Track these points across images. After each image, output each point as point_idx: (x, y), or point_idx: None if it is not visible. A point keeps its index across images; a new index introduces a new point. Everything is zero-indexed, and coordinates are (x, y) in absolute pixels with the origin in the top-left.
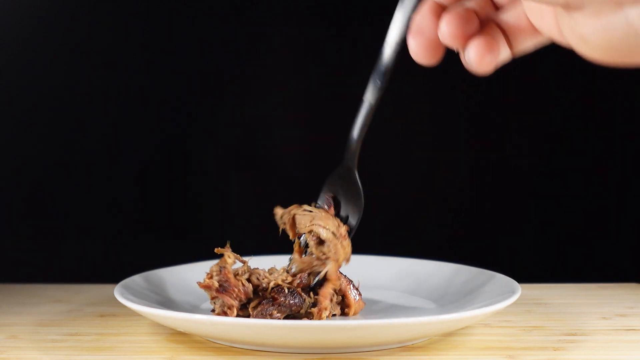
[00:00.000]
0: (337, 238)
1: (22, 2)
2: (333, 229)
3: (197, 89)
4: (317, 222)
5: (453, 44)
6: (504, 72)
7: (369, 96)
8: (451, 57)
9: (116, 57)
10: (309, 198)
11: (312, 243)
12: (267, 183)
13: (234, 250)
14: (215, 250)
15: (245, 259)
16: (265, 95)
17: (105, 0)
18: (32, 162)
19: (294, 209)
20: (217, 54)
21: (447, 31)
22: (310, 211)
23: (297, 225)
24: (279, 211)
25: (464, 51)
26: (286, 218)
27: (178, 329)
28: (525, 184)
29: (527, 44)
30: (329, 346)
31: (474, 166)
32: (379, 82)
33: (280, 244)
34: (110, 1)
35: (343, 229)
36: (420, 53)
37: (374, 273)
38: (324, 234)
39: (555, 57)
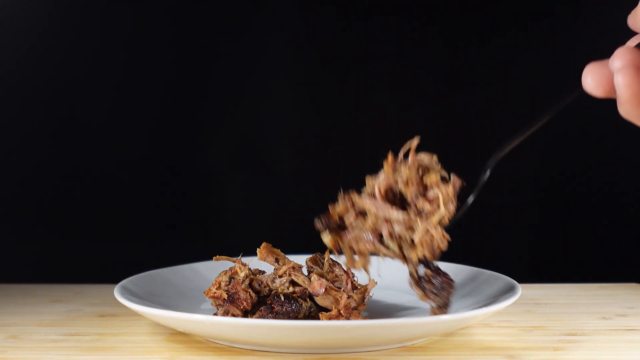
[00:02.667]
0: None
1: (23, 2)
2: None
3: (197, 90)
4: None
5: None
6: (503, 72)
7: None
8: (450, 57)
9: (116, 58)
10: (309, 198)
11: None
12: (267, 183)
13: (234, 250)
14: (214, 258)
15: (246, 260)
16: (265, 95)
17: (105, 3)
18: (32, 163)
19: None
20: (218, 54)
21: (622, 85)
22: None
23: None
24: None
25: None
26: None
27: (178, 329)
28: (526, 183)
29: None
30: (329, 346)
31: (474, 165)
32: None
33: (280, 243)
34: (110, 2)
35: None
36: (594, 85)
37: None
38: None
39: (555, 58)
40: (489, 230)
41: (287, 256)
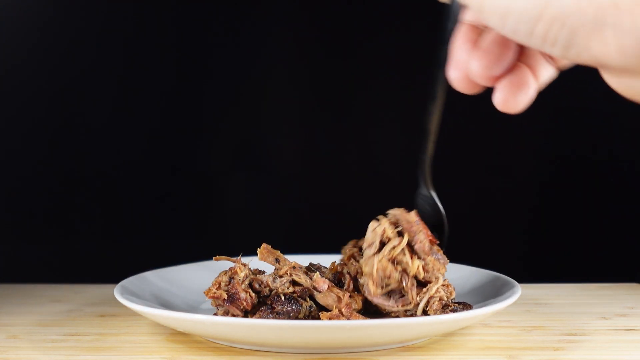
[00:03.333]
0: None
1: (23, 2)
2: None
3: (197, 90)
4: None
5: (484, 84)
6: None
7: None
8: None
9: (117, 58)
10: (309, 198)
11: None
12: (267, 183)
13: (234, 250)
14: (214, 258)
15: (246, 260)
16: (265, 95)
17: (106, 2)
18: (32, 162)
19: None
20: (218, 54)
21: (477, 72)
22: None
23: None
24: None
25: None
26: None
27: (178, 329)
28: (526, 183)
29: (551, 71)
30: (329, 346)
31: (474, 166)
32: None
33: (280, 243)
34: (110, 2)
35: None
36: (460, 86)
37: None
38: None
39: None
40: (489, 230)
41: (287, 257)
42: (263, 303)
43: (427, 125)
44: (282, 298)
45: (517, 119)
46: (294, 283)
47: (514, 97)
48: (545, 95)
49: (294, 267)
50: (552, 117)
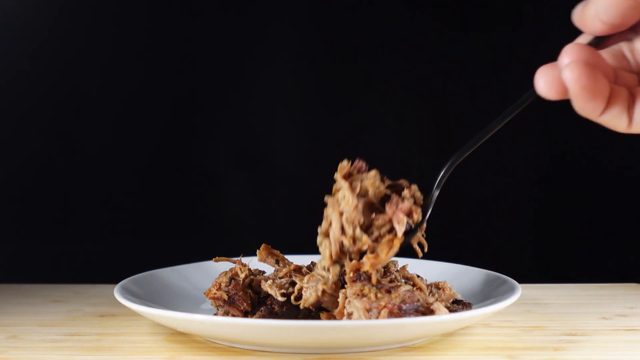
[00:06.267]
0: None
1: (23, 2)
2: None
3: (197, 90)
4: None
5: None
6: (504, 71)
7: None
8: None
9: (116, 58)
10: (309, 198)
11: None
12: (267, 183)
13: (234, 251)
14: (214, 259)
15: (246, 260)
16: (265, 95)
17: (106, 1)
18: (32, 163)
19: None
20: (218, 55)
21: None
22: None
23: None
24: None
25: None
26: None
27: (178, 329)
28: (526, 184)
29: None
30: (329, 346)
31: (475, 167)
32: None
33: (280, 243)
34: (111, 2)
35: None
36: (545, 87)
37: None
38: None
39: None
40: (489, 230)
41: (286, 257)
42: (263, 303)
43: (479, 136)
44: (281, 300)
45: (518, 119)
46: (293, 284)
47: (591, 83)
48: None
49: (295, 270)
50: (552, 117)
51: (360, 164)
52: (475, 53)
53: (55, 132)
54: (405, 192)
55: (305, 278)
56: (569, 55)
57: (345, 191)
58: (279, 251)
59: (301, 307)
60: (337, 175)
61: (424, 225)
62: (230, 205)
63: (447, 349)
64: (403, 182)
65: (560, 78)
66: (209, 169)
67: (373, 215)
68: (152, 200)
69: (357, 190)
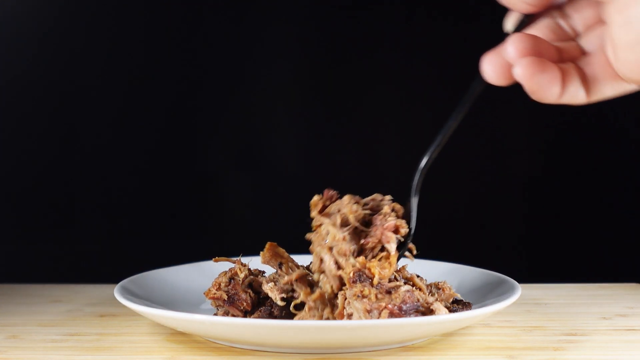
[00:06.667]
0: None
1: (23, 2)
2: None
3: (197, 90)
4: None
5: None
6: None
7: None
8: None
9: (117, 58)
10: (309, 198)
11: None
12: (267, 183)
13: (234, 251)
14: (214, 259)
15: (246, 260)
16: (265, 95)
17: (106, 2)
18: (32, 163)
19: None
20: (217, 55)
21: (513, 50)
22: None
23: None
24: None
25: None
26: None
27: (178, 329)
28: (525, 184)
29: (606, 91)
30: (329, 346)
31: (474, 166)
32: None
33: (280, 243)
34: (111, 2)
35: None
36: (492, 73)
37: None
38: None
39: None
40: (489, 230)
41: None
42: (263, 303)
43: (442, 135)
44: (280, 305)
45: (518, 118)
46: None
47: (540, 74)
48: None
49: (297, 279)
50: (552, 117)
51: (330, 193)
52: (475, 53)
53: (55, 132)
54: (386, 209)
55: (310, 299)
56: (514, 47)
57: (327, 227)
58: (284, 250)
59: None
60: (314, 213)
61: (412, 233)
62: (230, 205)
63: (447, 349)
64: (377, 196)
65: (506, 65)
66: (209, 169)
67: (362, 241)
68: (152, 200)
69: (339, 221)
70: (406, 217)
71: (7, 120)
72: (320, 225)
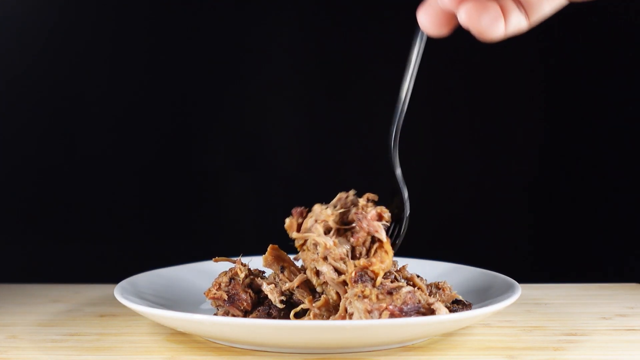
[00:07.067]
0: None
1: (23, 3)
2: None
3: (197, 90)
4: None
5: (452, 8)
6: (500, 70)
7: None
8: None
9: (116, 58)
10: (309, 198)
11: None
12: (267, 183)
13: (234, 251)
14: (214, 259)
15: (246, 260)
16: (265, 95)
17: (105, 3)
18: (32, 163)
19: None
20: (217, 55)
21: None
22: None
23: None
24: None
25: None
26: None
27: (178, 329)
28: (525, 184)
29: (544, 9)
30: (329, 346)
31: (474, 166)
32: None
33: (279, 244)
34: (110, 3)
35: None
36: (429, 24)
37: None
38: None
39: (552, 57)
40: (489, 230)
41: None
42: (262, 303)
43: (401, 94)
44: (279, 307)
45: (518, 118)
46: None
47: (484, 14)
48: (548, 93)
49: (298, 286)
50: (552, 116)
51: (299, 210)
52: (475, 53)
53: (55, 133)
54: (361, 201)
55: (315, 306)
56: None
57: (313, 239)
58: (286, 253)
59: None
60: (293, 234)
61: (408, 212)
62: (230, 205)
63: (447, 349)
64: (341, 194)
65: (441, 13)
66: (209, 169)
67: (352, 239)
68: (152, 201)
69: (322, 230)
70: (399, 204)
71: (7, 121)
72: (304, 242)
